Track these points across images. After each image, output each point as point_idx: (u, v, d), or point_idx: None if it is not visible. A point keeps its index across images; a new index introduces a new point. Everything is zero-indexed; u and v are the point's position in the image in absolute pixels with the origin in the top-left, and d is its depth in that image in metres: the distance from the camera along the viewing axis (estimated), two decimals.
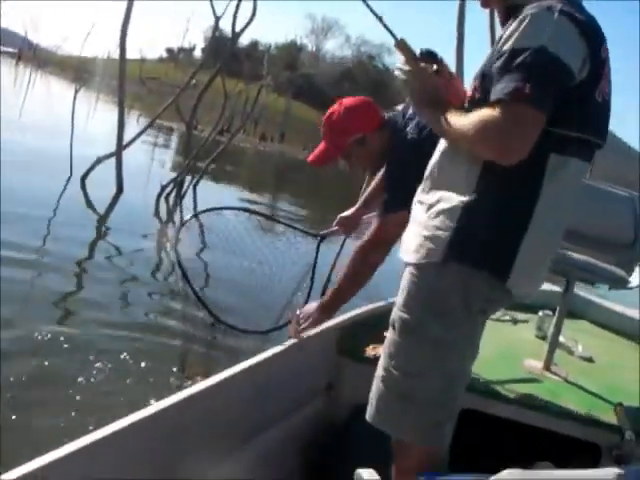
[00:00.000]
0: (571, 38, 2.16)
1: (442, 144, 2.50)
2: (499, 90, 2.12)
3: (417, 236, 2.43)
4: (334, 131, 3.71)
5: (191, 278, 4.47)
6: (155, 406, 2.56)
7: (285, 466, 3.49)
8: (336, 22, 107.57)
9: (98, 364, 4.84)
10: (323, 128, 3.74)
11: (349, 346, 3.95)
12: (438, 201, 2.38)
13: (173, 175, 13.57)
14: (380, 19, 2.50)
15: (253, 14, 13.37)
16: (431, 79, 2.43)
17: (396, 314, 2.48)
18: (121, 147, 12.12)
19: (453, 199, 2.33)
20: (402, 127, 3.50)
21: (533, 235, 2.29)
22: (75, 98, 12.68)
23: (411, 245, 2.46)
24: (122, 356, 5.06)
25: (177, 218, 11.95)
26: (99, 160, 12.07)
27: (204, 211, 4.42)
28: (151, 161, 16.57)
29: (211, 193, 15.49)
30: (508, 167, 2.15)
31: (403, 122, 3.53)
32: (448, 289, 2.35)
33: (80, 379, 4.58)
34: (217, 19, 13.24)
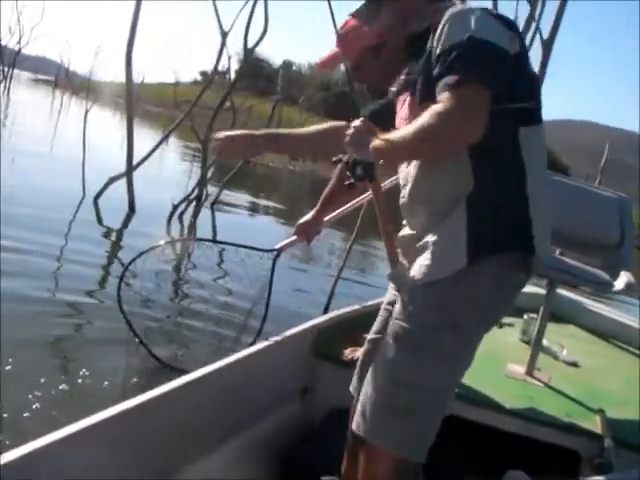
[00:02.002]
0: (493, 22, 2.26)
1: (405, 171, 2.57)
2: (443, 84, 2.17)
3: (425, 254, 2.41)
4: (350, 32, 3.42)
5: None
6: (120, 406, 2.52)
7: (257, 471, 3.42)
8: None
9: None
10: (340, 31, 3.46)
11: (326, 348, 3.91)
12: (432, 214, 2.43)
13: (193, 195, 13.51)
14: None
15: (265, 29, 13.32)
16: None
17: (401, 327, 2.41)
18: (131, 167, 12.12)
19: (449, 204, 2.37)
20: None
21: (534, 201, 2.36)
22: (85, 119, 12.67)
23: (419, 267, 2.41)
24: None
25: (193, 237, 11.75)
26: (112, 180, 12.09)
27: (140, 254, 4.28)
28: (187, 179, 16.34)
29: (228, 213, 15.39)
30: (491, 152, 2.27)
31: None
32: (476, 291, 2.35)
33: None
34: (224, 34, 13.10)
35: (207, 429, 3.02)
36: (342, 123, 3.11)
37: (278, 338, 3.58)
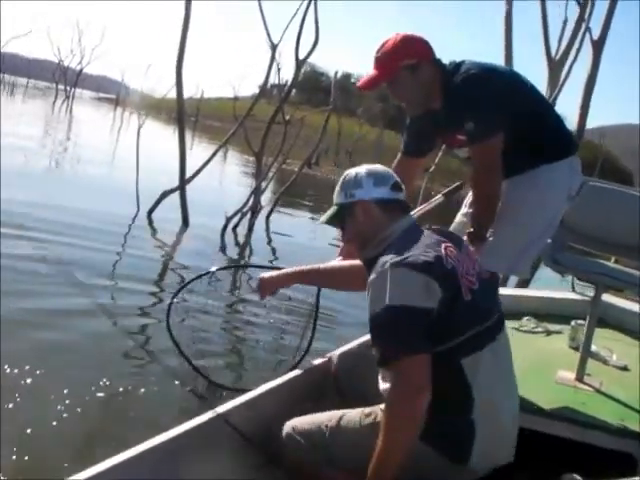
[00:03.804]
0: (407, 281, 2.51)
1: None
2: (378, 359, 2.55)
3: None
4: (387, 54, 3.73)
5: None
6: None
7: None
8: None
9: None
10: (376, 54, 3.77)
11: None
12: None
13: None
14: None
15: (316, 38, 13.32)
16: None
17: None
18: (184, 181, 12.21)
19: None
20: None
21: (481, 421, 2.59)
22: (139, 133, 12.75)
23: None
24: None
25: (247, 251, 11.82)
26: (165, 194, 12.20)
27: (187, 283, 4.40)
28: (243, 192, 16.42)
29: (285, 224, 15.42)
30: (436, 387, 2.43)
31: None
32: None
33: None
34: (274, 47, 13.10)
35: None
36: (358, 264, 3.29)
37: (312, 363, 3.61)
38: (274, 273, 3.80)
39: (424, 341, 2.46)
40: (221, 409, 2.93)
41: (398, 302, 2.46)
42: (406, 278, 2.51)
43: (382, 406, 2.71)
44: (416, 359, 2.42)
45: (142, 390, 4.79)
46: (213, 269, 4.48)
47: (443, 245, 2.67)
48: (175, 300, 4.20)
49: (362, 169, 3.00)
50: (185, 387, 4.57)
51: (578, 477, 2.93)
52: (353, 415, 2.84)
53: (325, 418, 2.88)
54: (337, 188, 3.04)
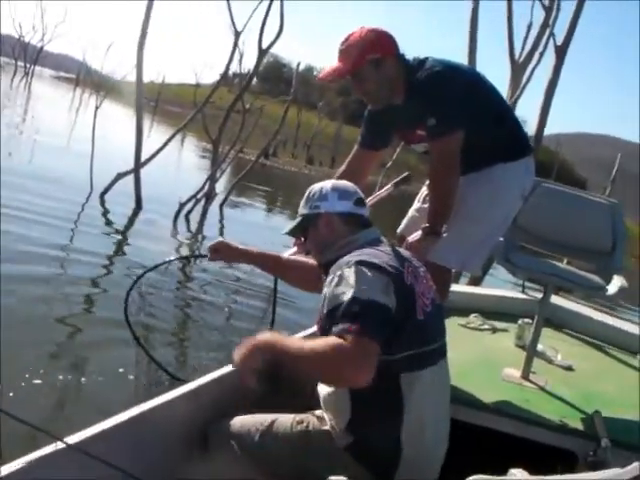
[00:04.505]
0: (371, 278, 2.52)
1: None
2: (339, 330, 2.41)
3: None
4: (352, 47, 3.71)
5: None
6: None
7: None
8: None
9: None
10: (341, 47, 3.75)
11: None
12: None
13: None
14: None
15: (281, 28, 13.30)
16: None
17: None
18: (139, 164, 12.18)
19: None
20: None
21: (409, 440, 2.60)
22: (96, 114, 12.67)
23: None
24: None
25: (199, 237, 11.82)
26: (120, 176, 12.14)
27: (146, 271, 4.19)
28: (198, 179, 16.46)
29: (239, 212, 15.44)
30: (370, 395, 2.47)
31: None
32: None
33: None
34: (237, 33, 13.04)
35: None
36: (314, 264, 3.26)
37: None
38: (235, 244, 3.70)
39: (382, 333, 2.43)
40: (163, 399, 2.86)
41: (365, 296, 2.45)
42: (371, 275, 2.53)
43: (317, 412, 2.79)
44: (372, 345, 2.37)
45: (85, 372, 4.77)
46: (172, 258, 4.39)
47: (405, 263, 2.69)
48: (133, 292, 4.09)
49: (328, 183, 3.05)
50: (130, 371, 4.56)
51: (524, 472, 2.95)
52: (285, 420, 2.83)
53: (258, 420, 2.86)
54: (302, 201, 3.09)
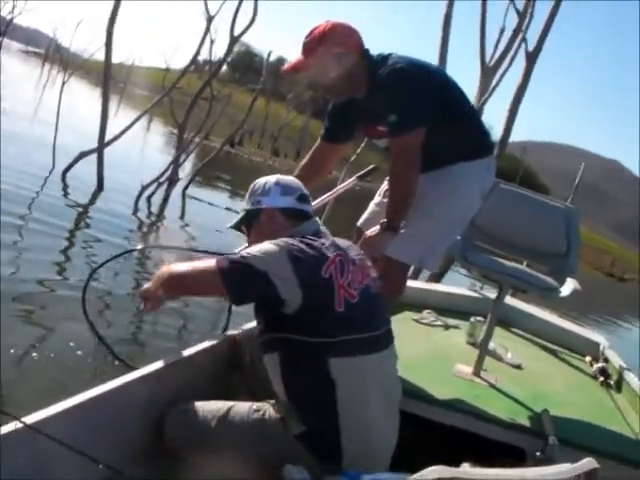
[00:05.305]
0: (275, 255, 2.69)
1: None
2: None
3: None
4: (316, 40, 3.73)
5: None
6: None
7: None
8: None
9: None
10: (305, 40, 3.77)
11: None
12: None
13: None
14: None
15: (254, 16, 13.23)
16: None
17: None
18: (103, 144, 12.05)
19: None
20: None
21: (345, 420, 2.65)
22: (62, 90, 12.57)
23: None
24: None
25: (160, 222, 11.77)
26: (82, 155, 12.01)
27: (107, 261, 4.07)
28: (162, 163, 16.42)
29: (201, 197, 15.37)
30: (300, 380, 2.70)
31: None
32: None
33: None
34: (210, 18, 12.98)
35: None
36: None
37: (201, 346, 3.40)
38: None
39: (247, 293, 2.73)
40: (121, 380, 2.83)
41: (253, 262, 2.66)
42: (276, 253, 2.69)
43: (272, 401, 2.84)
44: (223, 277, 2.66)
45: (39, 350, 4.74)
46: (138, 247, 4.33)
47: (332, 256, 2.77)
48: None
49: (272, 178, 3.13)
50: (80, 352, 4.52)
51: (477, 466, 2.98)
52: (242, 408, 2.84)
53: (215, 407, 2.87)
54: (246, 194, 3.17)
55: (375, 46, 3.80)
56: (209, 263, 2.69)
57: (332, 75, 3.78)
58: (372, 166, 4.55)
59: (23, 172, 10.92)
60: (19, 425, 2.16)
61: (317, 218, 3.15)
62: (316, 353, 2.65)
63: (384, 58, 3.75)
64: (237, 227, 3.21)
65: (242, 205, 3.18)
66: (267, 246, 2.72)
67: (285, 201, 3.03)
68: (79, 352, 4.83)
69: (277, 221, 3.00)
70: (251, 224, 3.11)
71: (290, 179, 3.16)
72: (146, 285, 3.00)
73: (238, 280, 2.66)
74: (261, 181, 3.12)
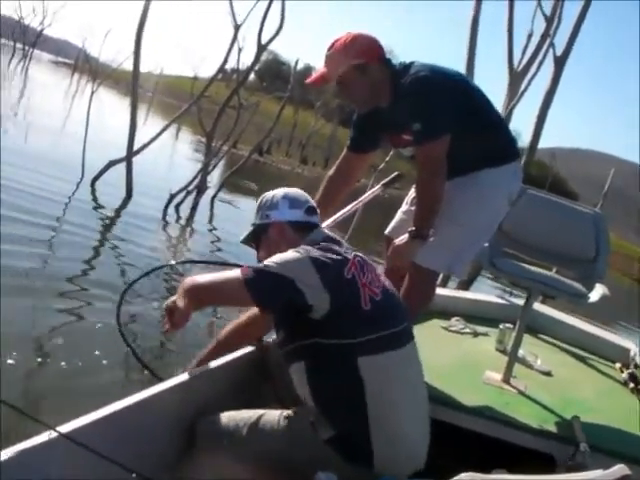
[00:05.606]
0: (294, 263, 2.69)
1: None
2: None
3: None
4: (337, 52, 3.78)
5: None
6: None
7: None
8: (391, 51, 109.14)
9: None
10: (327, 52, 3.82)
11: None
12: None
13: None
14: None
15: (281, 24, 13.28)
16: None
17: None
18: (132, 152, 12.11)
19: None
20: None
21: (376, 423, 2.64)
22: (91, 99, 12.64)
23: None
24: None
25: (188, 229, 11.81)
26: (111, 163, 12.06)
27: (143, 275, 4.05)
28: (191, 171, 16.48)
29: (230, 207, 15.49)
30: (328, 382, 2.71)
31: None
32: None
33: None
34: (237, 27, 13.02)
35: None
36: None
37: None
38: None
39: (274, 301, 2.73)
40: (153, 390, 2.84)
41: (278, 270, 2.66)
42: (300, 260, 2.71)
43: (301, 407, 2.83)
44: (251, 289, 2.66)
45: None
46: (172, 262, 4.34)
47: (354, 255, 2.82)
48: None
49: (280, 192, 3.14)
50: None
51: (506, 472, 2.97)
52: (272, 416, 2.85)
53: (246, 416, 2.88)
54: (255, 209, 3.18)
55: (394, 48, 3.80)
56: (234, 273, 2.70)
57: (354, 86, 3.82)
58: (396, 173, 4.55)
59: (51, 178, 11.04)
60: (53, 434, 2.17)
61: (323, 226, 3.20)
62: (345, 354, 2.66)
63: (406, 67, 3.78)
64: (246, 242, 3.23)
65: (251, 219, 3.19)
66: (290, 254, 2.73)
67: (294, 214, 3.05)
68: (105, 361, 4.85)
69: (286, 234, 3.02)
70: (260, 238, 3.13)
71: (297, 192, 3.18)
72: (171, 298, 2.99)
73: (264, 289, 2.67)
74: (268, 195, 3.14)
